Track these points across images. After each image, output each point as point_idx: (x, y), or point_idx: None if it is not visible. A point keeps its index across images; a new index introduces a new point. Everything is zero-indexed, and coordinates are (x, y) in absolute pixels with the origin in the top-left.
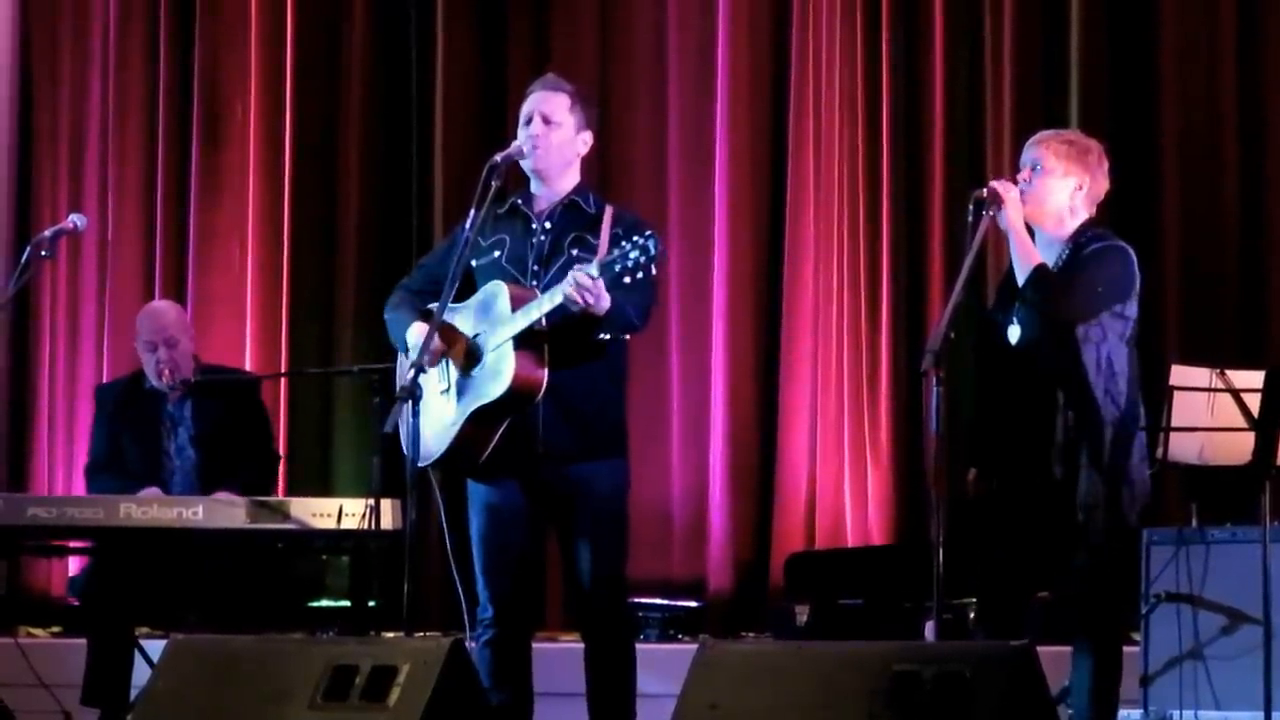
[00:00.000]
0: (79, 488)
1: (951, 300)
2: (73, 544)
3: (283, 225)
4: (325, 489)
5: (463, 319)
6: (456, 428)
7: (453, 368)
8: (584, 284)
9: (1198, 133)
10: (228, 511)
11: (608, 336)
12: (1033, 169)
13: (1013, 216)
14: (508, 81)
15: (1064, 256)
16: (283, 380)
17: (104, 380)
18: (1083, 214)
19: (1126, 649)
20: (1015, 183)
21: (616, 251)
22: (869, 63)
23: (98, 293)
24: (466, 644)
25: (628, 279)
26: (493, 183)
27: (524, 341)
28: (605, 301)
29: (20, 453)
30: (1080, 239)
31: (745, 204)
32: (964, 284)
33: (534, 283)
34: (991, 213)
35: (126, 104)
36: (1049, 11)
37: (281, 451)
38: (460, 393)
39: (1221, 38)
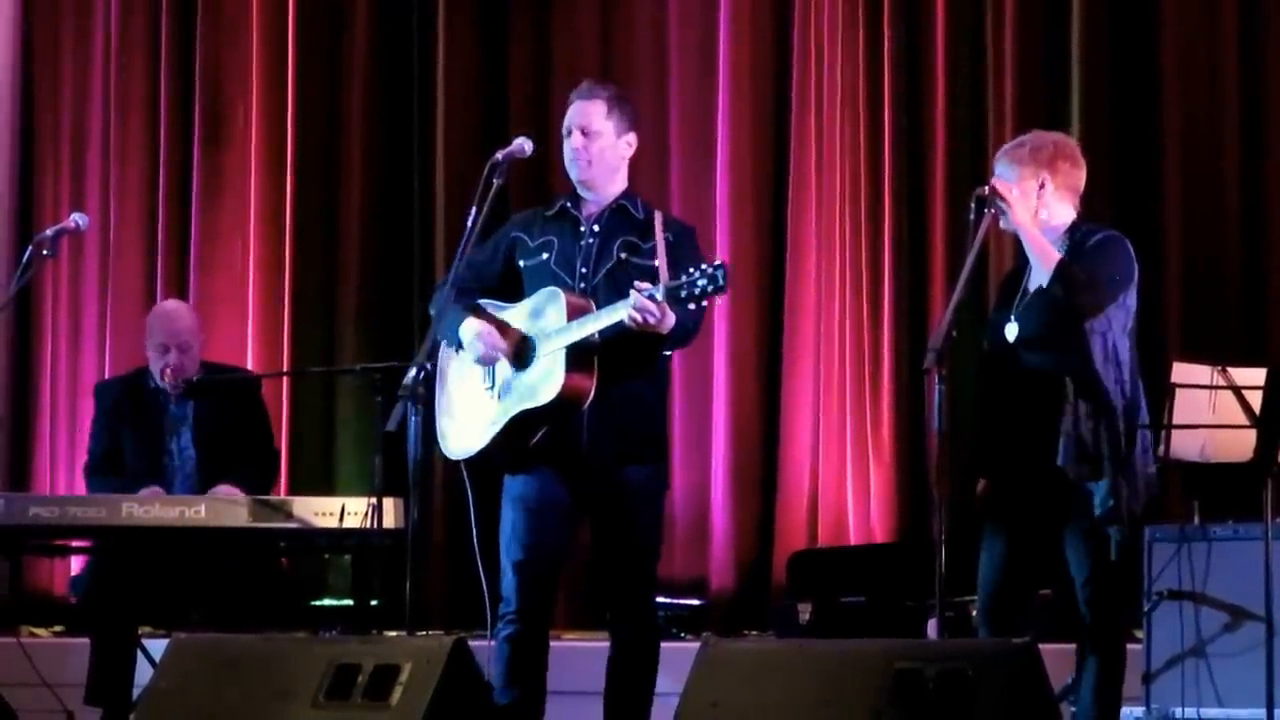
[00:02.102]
0: (81, 487)
1: (953, 298)
2: (75, 543)
3: (284, 224)
4: (327, 488)
5: (513, 320)
6: (498, 427)
7: (502, 365)
8: (648, 308)
9: (1199, 130)
10: (230, 510)
11: (670, 352)
12: (1005, 186)
13: (1020, 216)
14: (509, 80)
15: (1064, 252)
16: (285, 379)
17: (105, 378)
18: (1063, 208)
19: (1129, 647)
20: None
21: (685, 278)
22: (870, 60)
23: (99, 292)
24: (486, 640)
25: (692, 305)
26: (494, 181)
27: (576, 351)
28: (670, 320)
29: (22, 452)
30: (1075, 234)
31: (747, 202)
32: (966, 282)
33: (582, 285)
34: (992, 210)
35: (128, 103)
36: (1050, 9)
37: (278, 450)
38: (505, 392)
39: (1223, 36)
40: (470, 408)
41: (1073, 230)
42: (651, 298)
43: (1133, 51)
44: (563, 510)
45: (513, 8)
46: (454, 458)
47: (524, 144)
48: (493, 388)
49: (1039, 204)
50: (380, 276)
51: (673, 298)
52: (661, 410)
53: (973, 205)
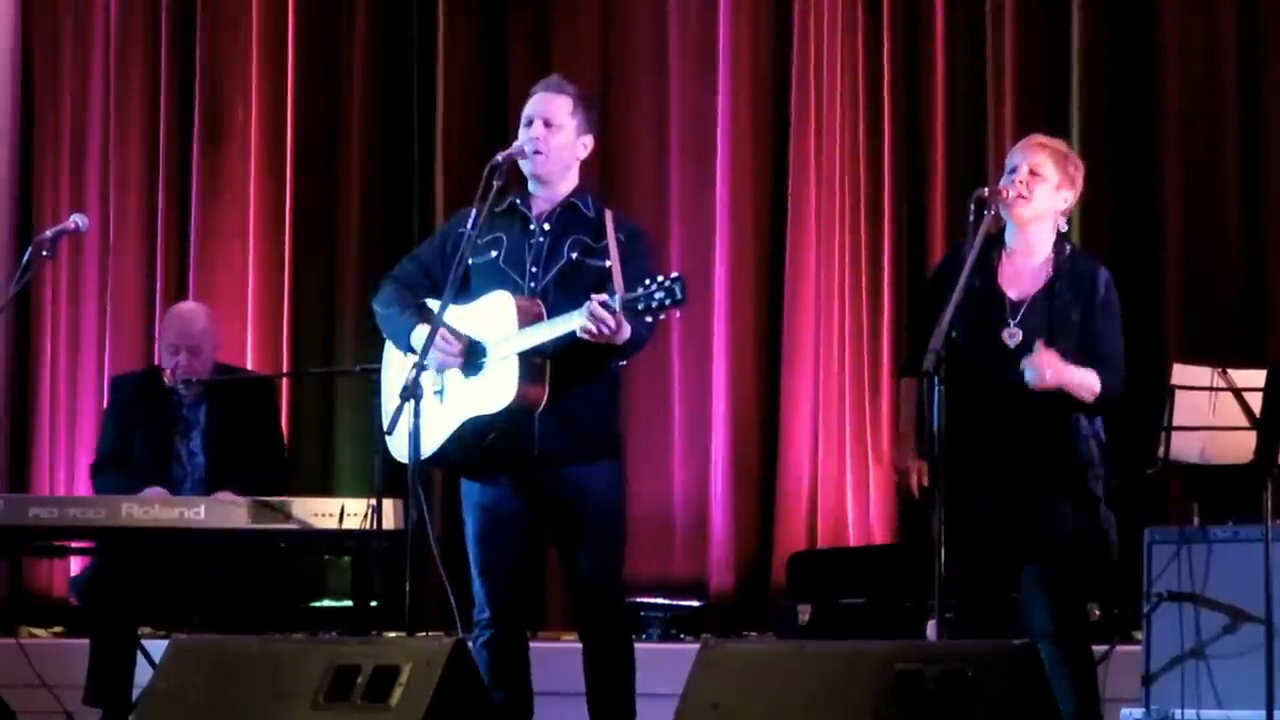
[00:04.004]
0: (81, 488)
1: (953, 300)
2: (74, 544)
3: (284, 224)
4: (327, 489)
5: (461, 321)
6: (448, 432)
7: (452, 371)
8: (603, 318)
9: (1199, 131)
10: (229, 511)
11: (624, 361)
12: (1031, 173)
13: (1069, 379)
14: (509, 80)
15: (1057, 274)
16: (284, 380)
17: (105, 381)
18: (1059, 224)
19: (1128, 648)
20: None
21: (641, 290)
22: (870, 61)
23: (99, 292)
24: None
25: (649, 318)
26: (494, 182)
27: (528, 358)
28: (626, 332)
29: (22, 453)
30: (1063, 253)
31: (746, 202)
32: (965, 284)
33: (532, 284)
34: (993, 211)
35: (127, 103)
36: (1050, 8)
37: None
38: (456, 398)
39: (1222, 37)
40: (421, 412)
41: (1059, 249)
42: (607, 308)
43: (1132, 52)
44: (521, 516)
45: (513, 8)
46: (403, 460)
47: (524, 146)
48: (442, 392)
49: (1052, 217)
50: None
51: (629, 310)
52: (612, 410)
53: (972, 206)
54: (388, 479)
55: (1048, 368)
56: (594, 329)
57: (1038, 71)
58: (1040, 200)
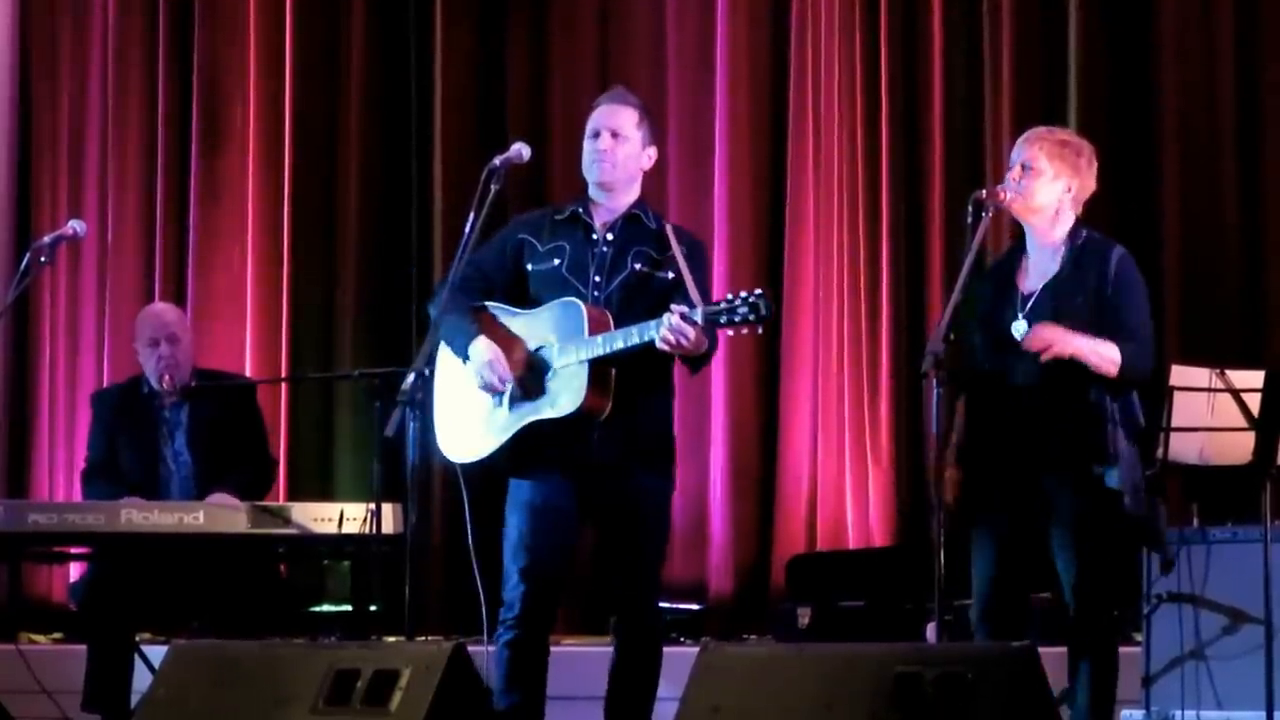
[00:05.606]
0: (79, 493)
1: (951, 301)
2: (73, 550)
3: (282, 227)
4: (326, 493)
5: (526, 326)
6: (508, 434)
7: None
8: (684, 330)
9: (1197, 131)
10: (228, 517)
11: (693, 373)
12: (1023, 168)
13: (1042, 199)
14: (507, 82)
15: (1066, 263)
16: (283, 384)
17: (104, 385)
18: (1070, 214)
19: (1128, 649)
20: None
21: (724, 304)
22: (868, 63)
23: (97, 296)
24: (484, 645)
25: (731, 331)
26: (492, 186)
27: (597, 366)
28: (704, 344)
29: (20, 459)
30: (1076, 241)
31: (745, 203)
32: (963, 285)
33: (595, 293)
34: (990, 213)
35: (126, 106)
36: (1048, 12)
37: (275, 457)
38: (517, 400)
39: (1220, 37)
40: (477, 412)
41: (1074, 236)
42: (688, 320)
43: (1130, 52)
44: (568, 516)
45: (510, 12)
46: (458, 462)
47: (521, 149)
48: (503, 393)
49: (1059, 208)
50: (378, 281)
51: (711, 322)
52: (669, 416)
53: (970, 208)
54: (387, 483)
55: (1045, 337)
56: (673, 340)
57: (1035, 71)
58: (1037, 195)
